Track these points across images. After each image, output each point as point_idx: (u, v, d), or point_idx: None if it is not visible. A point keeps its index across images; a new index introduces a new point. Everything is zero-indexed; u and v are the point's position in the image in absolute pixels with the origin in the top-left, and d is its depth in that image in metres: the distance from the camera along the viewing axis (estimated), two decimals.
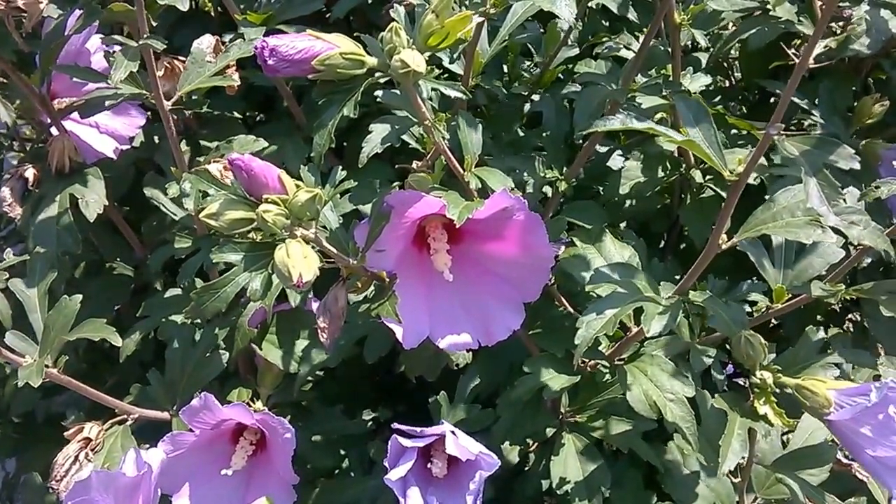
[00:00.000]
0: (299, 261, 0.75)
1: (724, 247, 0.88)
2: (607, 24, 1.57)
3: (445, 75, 1.22)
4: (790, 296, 1.01)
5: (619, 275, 0.93)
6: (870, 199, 0.85)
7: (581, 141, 1.34)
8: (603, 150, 1.46)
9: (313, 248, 0.85)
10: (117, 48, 0.96)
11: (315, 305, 1.21)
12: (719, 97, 1.59)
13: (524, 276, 1.02)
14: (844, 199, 0.95)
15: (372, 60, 0.84)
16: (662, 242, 1.61)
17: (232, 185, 0.82)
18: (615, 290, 0.91)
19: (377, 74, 0.86)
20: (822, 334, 0.97)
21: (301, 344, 1.19)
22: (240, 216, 0.78)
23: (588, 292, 0.98)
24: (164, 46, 0.98)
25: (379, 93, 0.99)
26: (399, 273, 0.99)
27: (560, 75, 1.49)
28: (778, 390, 0.92)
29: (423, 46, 0.84)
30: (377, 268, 0.98)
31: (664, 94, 1.14)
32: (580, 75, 1.25)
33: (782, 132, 0.74)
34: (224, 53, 1.03)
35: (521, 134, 1.47)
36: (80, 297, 0.93)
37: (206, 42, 1.08)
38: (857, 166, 0.72)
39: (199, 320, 1.12)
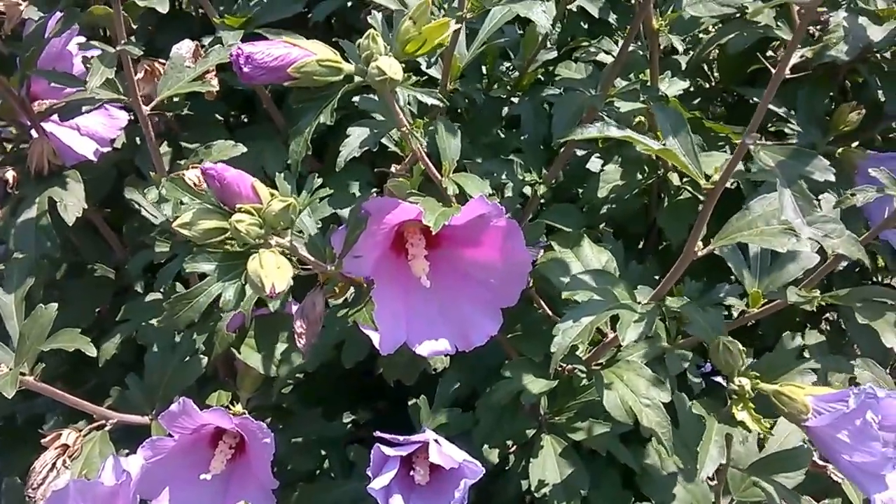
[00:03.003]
0: (272, 271, 0.73)
1: (700, 254, 0.87)
2: (587, 26, 1.56)
3: (424, 79, 1.21)
4: (766, 301, 1.00)
5: (596, 281, 0.92)
6: (845, 206, 0.84)
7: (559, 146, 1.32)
8: (582, 153, 1.45)
9: (289, 256, 0.83)
10: (95, 53, 0.94)
11: (294, 308, 1.19)
12: (699, 99, 1.58)
13: (502, 281, 1.00)
14: (819, 208, 0.94)
15: (349, 67, 0.82)
16: (642, 243, 1.61)
17: (207, 194, 0.80)
18: (591, 297, 0.89)
19: (356, 79, 0.84)
20: (799, 340, 0.96)
21: (280, 347, 1.18)
22: (213, 226, 0.76)
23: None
24: (142, 53, 0.96)
25: (358, 98, 0.98)
26: (377, 278, 0.98)
27: (540, 76, 1.47)
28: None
29: (401, 53, 0.82)
30: (354, 274, 0.96)
31: (642, 99, 1.13)
32: (559, 80, 1.23)
33: (758, 142, 0.73)
34: (203, 59, 1.01)
35: (502, 136, 1.46)
36: (55, 305, 0.91)
37: (185, 47, 1.06)
38: (832, 178, 0.71)
39: None
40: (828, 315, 1.58)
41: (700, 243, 0.87)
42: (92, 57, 0.93)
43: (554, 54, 1.38)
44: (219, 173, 0.76)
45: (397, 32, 0.82)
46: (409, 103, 1.22)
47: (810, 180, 1.22)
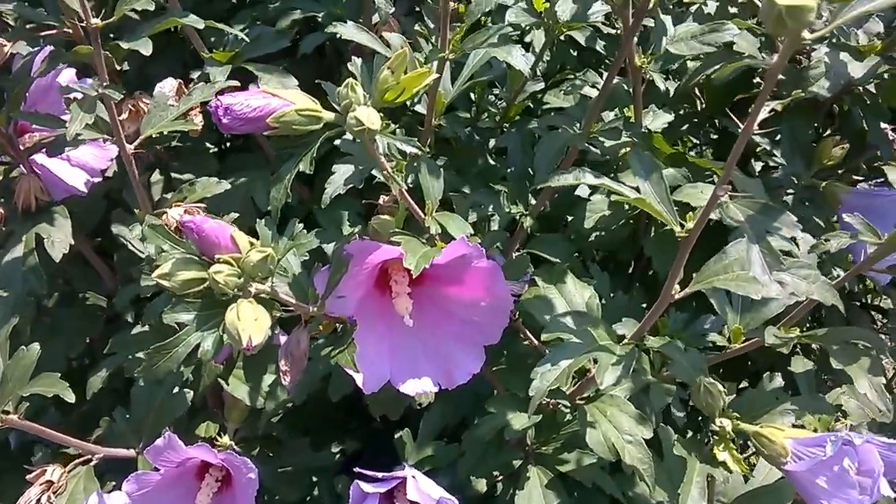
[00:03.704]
0: (249, 323, 0.74)
1: (677, 297, 0.88)
2: (576, 53, 1.57)
3: (410, 115, 1.22)
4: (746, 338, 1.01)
5: (575, 323, 0.93)
6: (819, 251, 0.84)
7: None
8: None
9: (271, 299, 0.84)
10: (77, 95, 0.95)
11: (283, 339, 1.20)
12: (687, 125, 1.59)
13: (485, 319, 1.01)
14: (797, 245, 0.95)
15: (328, 115, 0.83)
16: (631, 268, 1.61)
17: (187, 241, 0.81)
18: (570, 339, 0.90)
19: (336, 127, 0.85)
20: (779, 381, 0.97)
21: (268, 379, 1.18)
22: (192, 276, 0.77)
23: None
24: (122, 96, 0.97)
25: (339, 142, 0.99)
26: (360, 317, 0.99)
27: (529, 104, 1.49)
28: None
29: (380, 102, 0.83)
30: (338, 314, 0.97)
31: (626, 136, 1.14)
32: (542, 118, 1.24)
33: (729, 194, 0.74)
34: (187, 97, 1.02)
35: (492, 162, 1.47)
36: (37, 347, 0.91)
37: (168, 85, 1.07)
38: (799, 234, 0.71)
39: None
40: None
41: (678, 286, 0.88)
42: (74, 99, 0.94)
43: (541, 85, 1.40)
44: (197, 225, 0.77)
45: (376, 81, 0.83)
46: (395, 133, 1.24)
47: (799, 204, 1.24)
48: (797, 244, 0.98)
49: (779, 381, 0.97)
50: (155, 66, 1.44)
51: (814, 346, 1.55)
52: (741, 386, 1.63)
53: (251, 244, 0.81)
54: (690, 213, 0.81)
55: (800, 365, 1.29)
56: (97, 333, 1.42)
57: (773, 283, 0.68)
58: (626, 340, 0.96)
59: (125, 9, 0.91)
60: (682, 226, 0.82)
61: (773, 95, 1.45)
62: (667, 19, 1.04)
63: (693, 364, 0.89)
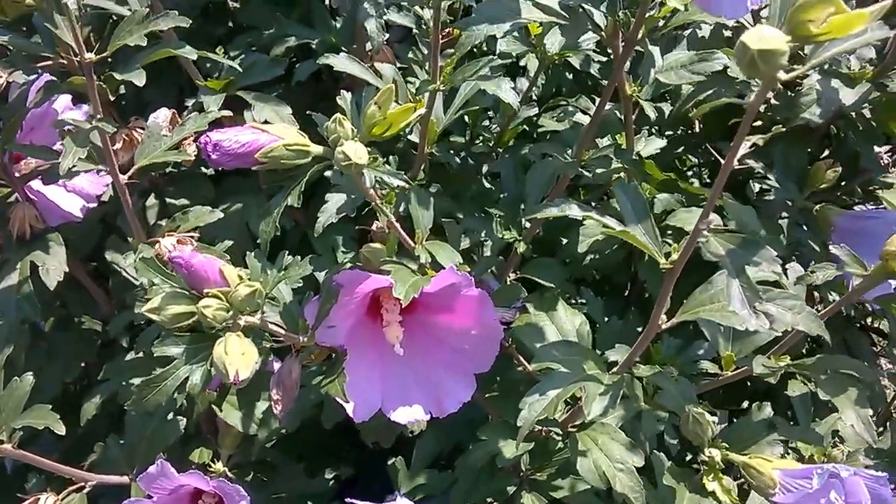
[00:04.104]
0: (237, 358, 0.76)
1: (664, 327, 0.90)
2: (571, 76, 1.59)
3: (403, 143, 1.24)
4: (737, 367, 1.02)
5: (564, 353, 0.94)
6: (805, 283, 0.86)
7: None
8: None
9: (261, 331, 0.86)
10: (71, 122, 0.97)
11: (276, 366, 1.22)
12: (682, 147, 1.61)
13: (475, 348, 1.03)
14: (786, 276, 0.97)
15: (317, 149, 0.85)
16: (627, 290, 1.63)
17: (178, 275, 0.83)
18: (559, 369, 0.92)
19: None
20: (768, 410, 0.98)
21: (261, 406, 1.20)
22: (181, 311, 0.79)
23: None
24: (115, 130, 0.99)
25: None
26: (351, 345, 1.00)
27: (525, 127, 1.51)
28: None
29: (367, 136, 0.86)
30: (329, 343, 0.99)
31: (617, 164, 1.16)
32: (535, 145, 1.26)
33: (711, 227, 0.76)
34: (180, 127, 1.04)
35: (487, 185, 1.49)
36: (31, 379, 0.93)
37: (162, 115, 1.09)
38: (779, 269, 0.73)
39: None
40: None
41: (664, 316, 0.89)
42: (68, 131, 0.96)
43: (535, 110, 1.42)
44: (186, 261, 0.79)
45: (364, 115, 0.85)
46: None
47: (793, 226, 1.25)
48: (786, 273, 1.00)
49: (768, 410, 0.98)
50: (150, 91, 1.46)
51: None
52: (742, 406, 1.65)
53: (240, 278, 0.82)
54: (675, 244, 0.83)
55: (796, 389, 1.30)
56: (92, 358, 1.44)
57: (753, 317, 0.70)
58: (615, 369, 0.97)
59: (118, 44, 0.93)
60: (667, 256, 0.83)
61: (771, 121, 1.47)
62: (655, 50, 1.06)
63: (682, 393, 0.91)
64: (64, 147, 0.92)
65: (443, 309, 1.04)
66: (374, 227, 1.18)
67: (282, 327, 0.93)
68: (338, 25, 1.38)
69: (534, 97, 1.46)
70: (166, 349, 0.82)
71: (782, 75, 0.61)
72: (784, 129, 1.30)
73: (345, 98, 0.88)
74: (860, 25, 0.56)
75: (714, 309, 0.86)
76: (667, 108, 1.51)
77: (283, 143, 0.83)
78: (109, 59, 1.11)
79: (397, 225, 1.00)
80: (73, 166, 0.91)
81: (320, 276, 1.17)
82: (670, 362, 1.15)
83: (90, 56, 0.95)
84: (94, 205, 1.35)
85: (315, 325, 0.93)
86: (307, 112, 1.46)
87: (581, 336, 1.08)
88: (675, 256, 0.81)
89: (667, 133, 1.54)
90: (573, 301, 1.38)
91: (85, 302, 1.44)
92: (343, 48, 1.41)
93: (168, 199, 1.46)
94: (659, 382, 0.93)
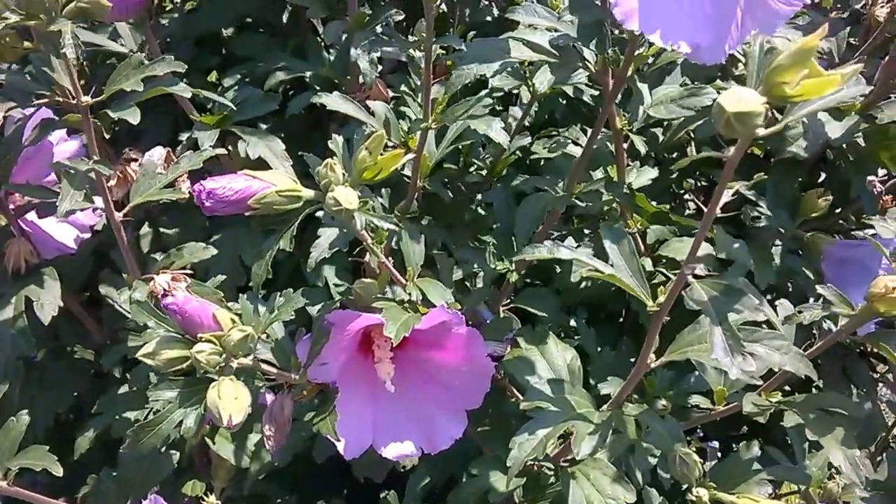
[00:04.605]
0: (230, 402, 0.78)
1: (653, 366, 0.92)
2: (564, 101, 1.62)
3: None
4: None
5: (553, 391, 0.97)
6: (792, 323, 0.89)
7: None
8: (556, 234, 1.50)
9: (254, 371, 0.88)
10: (67, 165, 1.00)
11: (269, 398, 1.24)
12: (676, 174, 1.64)
13: (465, 384, 1.06)
14: (776, 313, 0.99)
15: (308, 193, 0.88)
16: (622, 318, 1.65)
17: (171, 319, 0.86)
18: (549, 407, 0.94)
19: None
20: (755, 450, 1.00)
21: (253, 438, 1.22)
22: (175, 355, 0.82)
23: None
24: (109, 173, 1.02)
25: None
26: (343, 382, 1.03)
27: (518, 153, 1.54)
28: None
29: (358, 180, 0.88)
30: (320, 380, 1.01)
31: (608, 196, 1.19)
32: (527, 180, 1.29)
33: (696, 273, 0.78)
34: (175, 165, 1.07)
35: (481, 212, 1.52)
36: (27, 420, 0.95)
37: (157, 154, 1.12)
38: (762, 317, 0.76)
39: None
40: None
41: (653, 356, 0.92)
42: (64, 171, 0.99)
43: (528, 140, 1.45)
44: (180, 307, 0.82)
45: (354, 160, 0.88)
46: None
47: (788, 254, 1.28)
48: (775, 310, 1.03)
49: (755, 450, 1.00)
50: (145, 121, 1.50)
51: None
52: (741, 432, 1.67)
53: (233, 321, 0.85)
54: (662, 287, 0.86)
55: (791, 420, 1.32)
56: (85, 387, 1.46)
57: (735, 366, 0.72)
58: (606, 406, 1.00)
59: (114, 89, 0.96)
60: (654, 298, 0.86)
61: (764, 149, 1.50)
62: (644, 87, 1.09)
63: (670, 432, 0.93)
64: (61, 190, 0.94)
65: (434, 346, 1.07)
66: (367, 258, 1.21)
67: (274, 365, 0.95)
68: (331, 58, 1.41)
69: (527, 123, 1.49)
70: (161, 394, 0.84)
71: (760, 132, 0.64)
72: (775, 160, 1.35)
73: (336, 142, 0.91)
74: (832, 88, 0.59)
75: (702, 349, 0.88)
76: (660, 131, 1.54)
77: (276, 190, 0.85)
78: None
79: (388, 264, 1.03)
80: (71, 210, 0.94)
81: (314, 309, 1.19)
82: (664, 395, 1.18)
83: (87, 100, 0.98)
84: (88, 235, 1.38)
85: (307, 364, 0.95)
86: (302, 142, 1.51)
87: (572, 371, 1.11)
88: (661, 299, 0.84)
89: (665, 154, 1.58)
90: (567, 331, 1.42)
91: (78, 331, 1.46)
92: (337, 79, 1.45)
93: (162, 229, 1.49)
94: (647, 421, 0.95)
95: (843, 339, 0.93)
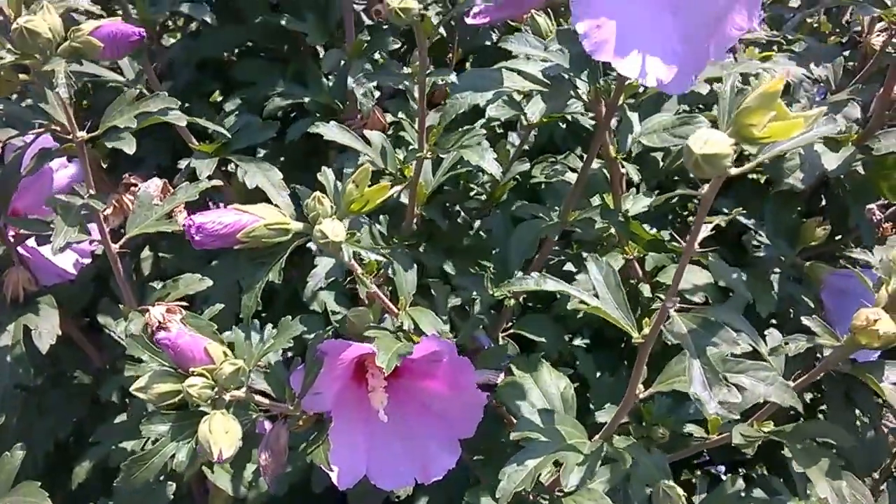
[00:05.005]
0: (220, 436, 0.81)
1: (641, 397, 0.94)
2: (564, 125, 1.65)
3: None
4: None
5: (544, 421, 0.99)
6: (778, 355, 0.91)
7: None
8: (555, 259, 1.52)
9: (248, 403, 0.91)
10: (63, 200, 1.03)
11: (267, 426, 1.27)
12: (675, 198, 1.66)
13: (458, 413, 1.08)
14: (765, 343, 1.01)
15: (297, 226, 0.91)
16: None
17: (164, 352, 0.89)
18: (539, 438, 0.96)
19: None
20: (740, 483, 1.02)
21: (251, 468, 1.25)
22: (167, 389, 0.85)
23: None
24: (104, 208, 1.06)
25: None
26: (336, 412, 1.05)
27: (517, 178, 1.56)
28: None
29: (346, 213, 0.92)
30: (314, 410, 1.04)
31: (603, 224, 1.21)
32: (521, 206, 1.32)
33: (678, 305, 0.81)
34: (171, 196, 1.10)
35: (482, 234, 1.55)
36: (21, 453, 0.98)
37: (153, 185, 1.16)
38: (738, 350, 0.78)
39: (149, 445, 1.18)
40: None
41: (641, 386, 0.94)
42: (59, 205, 1.02)
43: (527, 166, 1.47)
44: (172, 341, 0.85)
45: (342, 193, 0.91)
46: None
47: (785, 281, 1.30)
48: (765, 340, 1.05)
49: (740, 483, 1.02)
50: (145, 146, 1.54)
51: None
52: (747, 456, 1.68)
53: (225, 354, 0.88)
54: (647, 318, 0.88)
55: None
56: (84, 413, 1.50)
57: (713, 401, 0.74)
58: (598, 436, 1.02)
59: (109, 124, 1.00)
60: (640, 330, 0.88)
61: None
62: (634, 117, 1.11)
63: (657, 465, 0.95)
64: (55, 226, 0.98)
65: (427, 375, 1.09)
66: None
67: (268, 395, 0.98)
68: (330, 84, 1.45)
69: (527, 146, 1.52)
70: (153, 427, 0.87)
71: (732, 171, 0.67)
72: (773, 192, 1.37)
73: (325, 174, 0.94)
74: (798, 130, 0.62)
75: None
76: (661, 154, 1.57)
77: (264, 223, 0.89)
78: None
79: (381, 294, 1.06)
80: (65, 246, 0.97)
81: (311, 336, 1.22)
82: (660, 422, 1.19)
83: (82, 134, 1.01)
84: (88, 260, 1.41)
85: (301, 394, 0.98)
86: (301, 167, 1.54)
87: (565, 399, 1.13)
88: (646, 331, 0.86)
89: (667, 177, 1.60)
90: (567, 356, 1.44)
91: (76, 357, 1.49)
92: (337, 102, 1.48)
93: (161, 254, 1.53)
94: (634, 454, 0.97)
95: (829, 369, 0.95)
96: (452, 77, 1.03)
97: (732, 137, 0.64)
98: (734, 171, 0.67)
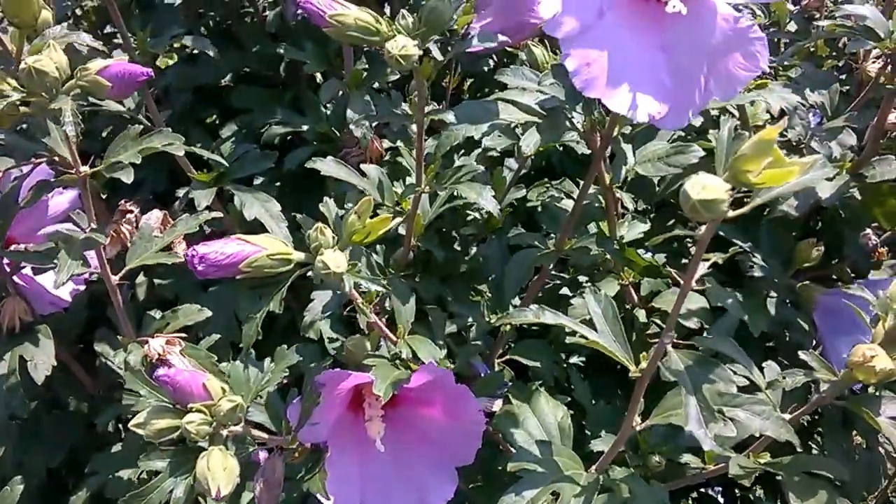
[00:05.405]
0: (219, 473, 0.82)
1: (638, 429, 0.96)
2: (561, 148, 1.67)
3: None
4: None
5: (541, 452, 1.00)
6: (775, 389, 0.92)
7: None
8: (550, 283, 1.54)
9: (245, 438, 0.92)
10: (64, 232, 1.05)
11: (262, 455, 1.28)
12: (673, 220, 1.68)
13: (456, 441, 1.09)
14: (763, 376, 1.03)
15: (299, 256, 0.93)
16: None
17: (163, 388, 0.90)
18: (536, 469, 0.98)
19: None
20: None
21: (246, 497, 1.25)
22: (166, 425, 0.86)
23: None
24: (106, 242, 1.07)
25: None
26: (333, 441, 1.06)
27: (514, 202, 1.58)
28: None
29: (347, 243, 0.93)
30: (311, 441, 1.05)
31: (598, 251, 1.23)
32: (518, 235, 1.34)
33: (674, 341, 0.82)
34: (171, 228, 1.11)
35: (481, 259, 1.56)
36: (21, 487, 0.99)
37: (153, 217, 1.17)
38: (734, 389, 0.79)
39: (145, 476, 1.19)
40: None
41: (638, 418, 0.95)
42: (61, 239, 1.03)
43: (523, 192, 1.49)
44: (171, 378, 0.86)
45: (344, 224, 0.93)
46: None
47: (783, 308, 1.32)
48: (762, 371, 1.07)
49: None
50: (143, 171, 1.55)
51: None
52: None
53: (223, 390, 0.89)
54: (644, 353, 0.89)
55: None
56: (79, 440, 1.50)
57: (708, 438, 0.76)
58: (594, 466, 1.03)
59: (111, 161, 1.01)
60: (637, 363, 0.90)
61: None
62: (627, 148, 1.13)
63: (654, 496, 0.96)
64: (58, 261, 0.99)
65: (424, 403, 1.10)
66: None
67: (265, 428, 0.99)
68: (328, 112, 1.47)
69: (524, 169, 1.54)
70: (152, 464, 0.88)
71: (730, 213, 0.68)
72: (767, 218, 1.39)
73: (327, 205, 0.96)
74: (793, 178, 0.64)
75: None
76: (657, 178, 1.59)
77: (266, 254, 0.90)
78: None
79: (380, 323, 1.07)
80: (69, 279, 0.98)
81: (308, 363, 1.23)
82: (656, 450, 1.21)
83: (85, 169, 1.03)
84: (83, 287, 1.42)
85: (298, 427, 0.99)
86: (301, 191, 1.55)
87: (563, 429, 1.14)
88: (643, 365, 0.88)
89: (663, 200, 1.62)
90: (564, 382, 1.45)
91: (70, 383, 1.50)
92: (334, 130, 1.50)
93: (157, 281, 1.54)
94: (631, 485, 0.98)
95: (825, 403, 0.96)
96: (450, 116, 1.04)
97: (729, 182, 0.66)
98: (731, 213, 0.68)
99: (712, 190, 0.64)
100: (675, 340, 0.80)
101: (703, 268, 0.78)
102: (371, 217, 0.94)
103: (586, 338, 0.90)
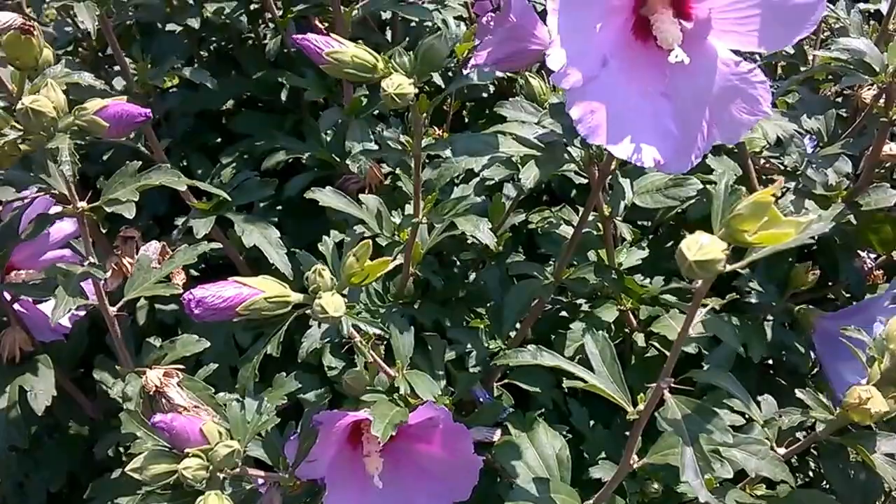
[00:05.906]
0: None
1: (635, 466, 0.95)
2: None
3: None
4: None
5: (538, 490, 1.00)
6: (772, 427, 0.92)
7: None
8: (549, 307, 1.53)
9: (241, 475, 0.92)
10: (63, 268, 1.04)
11: (263, 489, 1.27)
12: (671, 242, 1.68)
13: (453, 477, 1.09)
14: (759, 413, 1.02)
15: (297, 297, 0.92)
16: None
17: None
18: None
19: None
20: None
21: None
22: (163, 470, 0.85)
23: None
24: (108, 276, 1.06)
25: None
26: (331, 476, 1.06)
27: (515, 223, 1.58)
28: None
29: (346, 284, 0.93)
30: (309, 477, 1.05)
31: (597, 281, 1.22)
32: (515, 264, 1.33)
33: (672, 386, 0.82)
34: (170, 259, 1.11)
35: (481, 282, 1.56)
36: None
37: (152, 248, 1.17)
38: (730, 439, 0.79)
39: None
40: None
41: (636, 457, 0.95)
42: (60, 273, 1.03)
43: (522, 217, 1.49)
44: (168, 424, 0.86)
45: (343, 266, 0.92)
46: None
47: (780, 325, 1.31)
48: (759, 406, 1.06)
49: None
50: (142, 197, 1.55)
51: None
52: None
53: (220, 434, 0.89)
54: (642, 394, 0.89)
55: None
56: (78, 464, 1.49)
57: (704, 489, 0.75)
58: (591, 501, 1.03)
59: (109, 197, 1.01)
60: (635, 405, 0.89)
61: None
62: (625, 182, 1.12)
63: None
64: (56, 297, 0.98)
65: (422, 439, 1.10)
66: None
67: (263, 465, 0.99)
68: (328, 139, 1.46)
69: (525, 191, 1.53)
70: None
71: (727, 268, 0.68)
72: None
73: (326, 244, 0.95)
74: (788, 239, 0.63)
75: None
76: None
77: (264, 296, 0.89)
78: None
79: (379, 361, 1.06)
80: (65, 314, 0.98)
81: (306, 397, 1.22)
82: (653, 476, 1.20)
83: (83, 205, 1.02)
84: (83, 313, 1.42)
85: (295, 464, 0.98)
86: (300, 214, 1.55)
87: (561, 461, 1.14)
88: (641, 407, 0.87)
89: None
90: (561, 407, 1.44)
91: (70, 408, 1.49)
92: (335, 157, 1.49)
93: (157, 306, 1.53)
94: None
95: (821, 439, 0.96)
96: (447, 152, 1.04)
97: (725, 240, 0.65)
98: (728, 268, 0.68)
99: (709, 251, 0.64)
100: (672, 381, 0.79)
101: (700, 315, 0.77)
102: (371, 259, 0.93)
103: (584, 380, 0.89)
